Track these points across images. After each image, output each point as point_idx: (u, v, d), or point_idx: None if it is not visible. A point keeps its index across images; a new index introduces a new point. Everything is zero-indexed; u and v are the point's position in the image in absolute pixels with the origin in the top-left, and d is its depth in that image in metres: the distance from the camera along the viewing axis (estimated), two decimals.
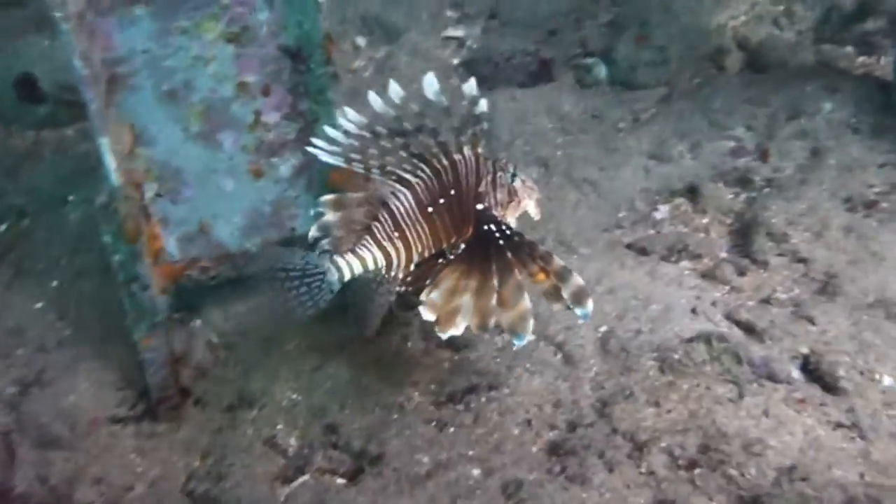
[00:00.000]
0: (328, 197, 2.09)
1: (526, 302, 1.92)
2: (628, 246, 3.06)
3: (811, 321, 2.43)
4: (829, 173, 3.07)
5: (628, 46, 4.12)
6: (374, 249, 2.06)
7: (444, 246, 2.16)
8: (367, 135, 2.06)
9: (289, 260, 1.99)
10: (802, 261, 2.79)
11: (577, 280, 1.93)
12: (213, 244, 2.50)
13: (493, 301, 1.93)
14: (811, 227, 2.89)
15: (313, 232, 2.08)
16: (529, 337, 1.90)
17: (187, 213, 2.43)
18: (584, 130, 3.75)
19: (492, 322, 1.92)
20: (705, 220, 3.18)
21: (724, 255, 2.98)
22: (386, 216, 2.07)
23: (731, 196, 3.22)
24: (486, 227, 2.11)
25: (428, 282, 2.03)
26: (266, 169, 2.46)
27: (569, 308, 1.94)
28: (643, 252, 3.01)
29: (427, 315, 1.95)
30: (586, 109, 3.88)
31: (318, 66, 2.30)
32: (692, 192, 3.28)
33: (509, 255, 2.00)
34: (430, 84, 2.01)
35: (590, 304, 1.92)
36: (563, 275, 1.94)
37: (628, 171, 3.40)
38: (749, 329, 2.46)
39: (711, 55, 4.15)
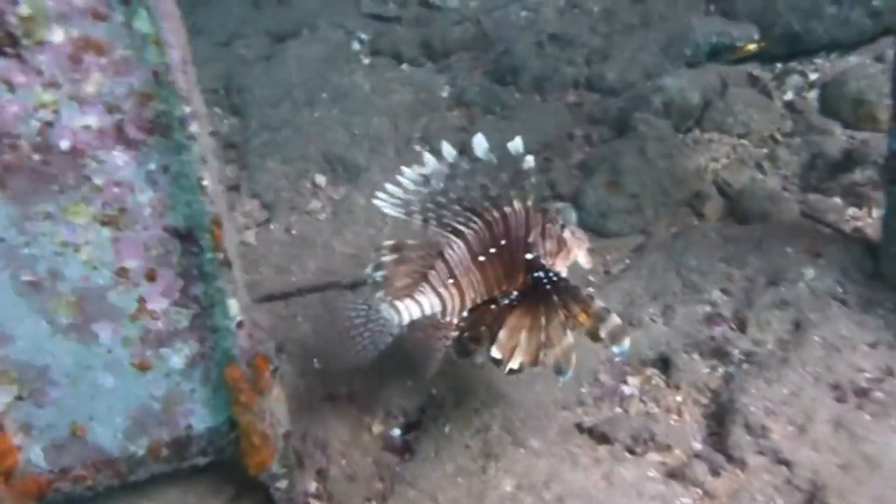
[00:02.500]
0: (389, 242, 2.33)
1: (569, 339, 2.12)
2: (589, 431, 2.69)
3: None
4: (813, 352, 2.71)
5: (598, 192, 3.84)
6: (431, 295, 2.24)
7: (496, 293, 2.33)
8: (424, 190, 2.28)
9: (354, 305, 2.18)
10: (785, 463, 2.41)
11: (615, 320, 2.12)
12: (89, 450, 2.15)
13: (543, 339, 2.14)
14: (794, 418, 2.52)
15: (369, 270, 2.32)
16: (571, 373, 2.10)
17: (55, 416, 2.09)
18: None
19: (541, 357, 2.12)
20: (678, 398, 2.82)
21: (697, 445, 2.61)
22: (441, 264, 2.25)
23: (706, 370, 2.87)
24: (535, 275, 2.29)
25: (490, 326, 2.27)
26: (154, 361, 2.14)
27: (607, 346, 2.12)
28: (604, 439, 2.64)
29: (495, 353, 2.17)
30: None
31: (207, 252, 1.99)
32: (664, 364, 2.93)
33: (555, 298, 2.21)
34: (480, 143, 2.22)
35: (626, 343, 2.11)
36: (601, 316, 2.14)
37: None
38: None
39: (689, 201, 3.87)
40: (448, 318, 2.30)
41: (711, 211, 3.81)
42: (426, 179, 2.28)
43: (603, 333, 2.12)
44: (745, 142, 4.20)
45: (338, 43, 5.71)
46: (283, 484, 2.29)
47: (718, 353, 2.89)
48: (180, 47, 1.79)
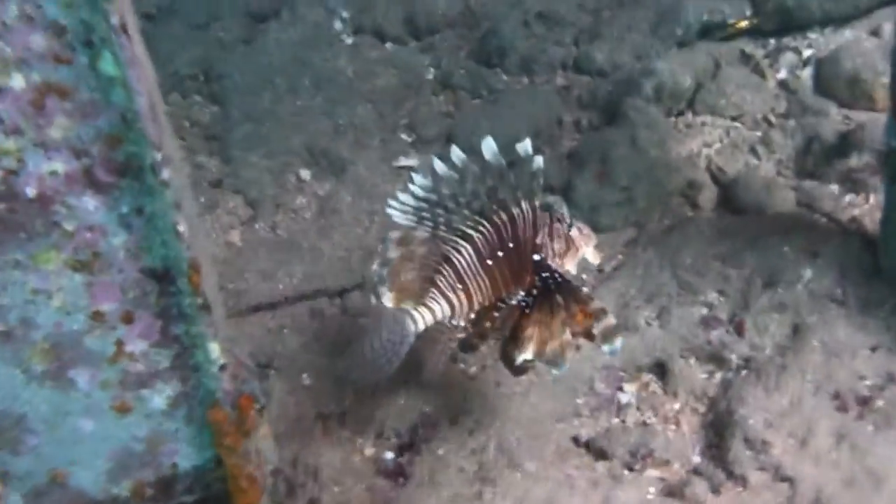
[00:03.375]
0: (395, 234, 2.31)
1: (567, 336, 2.21)
2: (587, 445, 2.65)
3: None
4: (812, 358, 2.65)
5: (588, 185, 3.75)
6: (441, 301, 2.28)
7: (504, 294, 2.37)
8: (434, 197, 2.28)
9: (371, 317, 2.31)
10: (787, 479, 2.37)
11: (609, 320, 2.21)
12: (71, 494, 2.08)
13: (547, 334, 2.24)
14: (795, 431, 2.48)
15: (376, 266, 2.29)
16: (566, 369, 2.21)
17: (34, 464, 2.02)
18: None
19: (546, 350, 2.22)
20: (676, 406, 2.78)
21: (696, 458, 2.58)
22: (449, 269, 2.28)
23: (704, 376, 2.82)
24: (543, 276, 2.34)
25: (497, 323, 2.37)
26: (134, 403, 2.06)
27: (599, 345, 2.21)
28: (602, 455, 2.60)
29: (511, 347, 2.29)
30: None
31: (185, 297, 1.90)
32: (661, 369, 2.88)
33: (558, 297, 2.28)
34: (489, 146, 2.24)
35: (618, 343, 2.20)
36: (597, 315, 2.22)
37: (588, 345, 2.99)
38: None
39: (683, 190, 3.78)
40: (455, 322, 2.33)
41: (705, 200, 3.73)
42: (436, 186, 2.28)
43: (595, 332, 2.20)
44: (738, 124, 4.10)
45: (318, 22, 5.52)
46: None
47: (716, 359, 2.84)
48: (148, 93, 1.67)
